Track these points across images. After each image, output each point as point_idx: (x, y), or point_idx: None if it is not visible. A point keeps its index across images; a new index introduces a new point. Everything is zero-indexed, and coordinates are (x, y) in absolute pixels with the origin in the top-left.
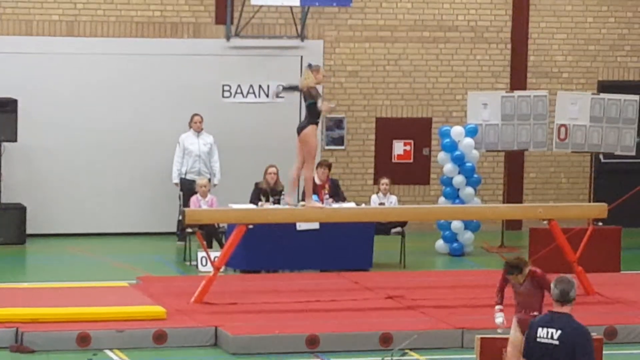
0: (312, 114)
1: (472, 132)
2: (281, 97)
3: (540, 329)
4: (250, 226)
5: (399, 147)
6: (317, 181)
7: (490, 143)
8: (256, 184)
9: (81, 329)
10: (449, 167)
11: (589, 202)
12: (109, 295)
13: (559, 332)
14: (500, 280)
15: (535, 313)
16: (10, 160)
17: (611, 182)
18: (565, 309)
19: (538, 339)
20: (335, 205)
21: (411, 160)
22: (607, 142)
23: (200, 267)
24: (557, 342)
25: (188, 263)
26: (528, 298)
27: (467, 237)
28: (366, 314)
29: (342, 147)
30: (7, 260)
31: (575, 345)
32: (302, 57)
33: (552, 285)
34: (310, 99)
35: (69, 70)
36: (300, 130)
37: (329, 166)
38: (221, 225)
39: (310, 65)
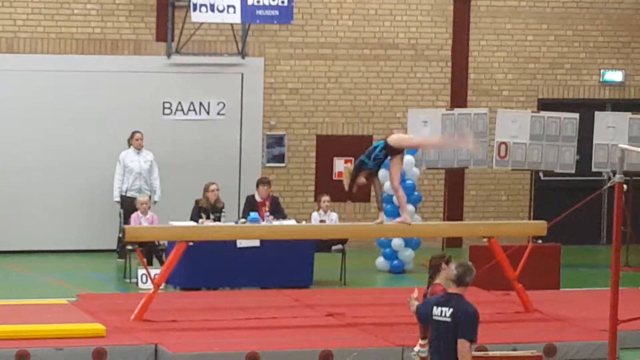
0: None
1: (412, 150)
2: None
3: (435, 308)
4: (191, 243)
5: (339, 165)
6: (258, 198)
7: (430, 160)
8: (196, 201)
9: (20, 346)
10: (389, 185)
11: (529, 219)
12: (48, 312)
13: (451, 310)
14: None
15: None
16: None
17: (551, 199)
18: (459, 290)
19: (433, 317)
20: (276, 223)
21: None
22: (547, 160)
23: (141, 285)
24: (449, 319)
25: (128, 280)
26: None
27: (407, 254)
28: (307, 332)
29: (283, 165)
30: None
31: (460, 322)
32: (242, 74)
33: (452, 267)
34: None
35: (9, 87)
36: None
37: (269, 183)
38: (161, 242)
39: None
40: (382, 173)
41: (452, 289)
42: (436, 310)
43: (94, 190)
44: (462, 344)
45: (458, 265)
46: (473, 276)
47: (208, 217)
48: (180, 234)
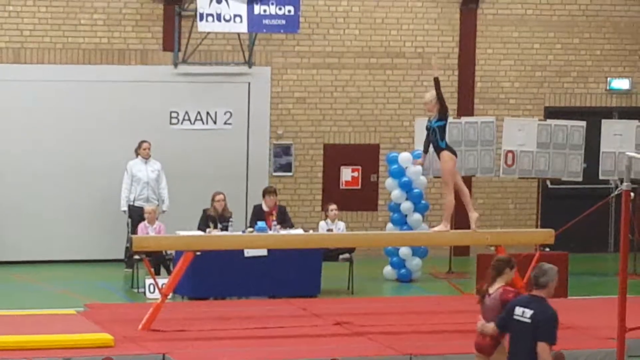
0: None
1: (419, 159)
2: None
3: (517, 308)
4: (198, 253)
5: (346, 174)
6: (265, 208)
7: (437, 169)
8: (204, 211)
9: (28, 357)
10: (396, 194)
11: (536, 227)
12: (56, 323)
13: (531, 311)
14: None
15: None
16: None
17: (558, 207)
18: (539, 292)
19: (514, 316)
20: (283, 232)
21: (359, 187)
22: (554, 168)
23: (148, 294)
24: (528, 321)
25: (136, 290)
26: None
27: (415, 263)
28: (314, 341)
29: (290, 174)
30: None
31: (540, 324)
32: (249, 83)
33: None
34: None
35: (16, 97)
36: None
37: (275, 192)
38: (169, 252)
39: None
40: (389, 181)
41: (535, 292)
42: (518, 310)
43: (101, 200)
44: (542, 347)
45: (535, 267)
46: (550, 277)
47: (215, 227)
48: (188, 244)
